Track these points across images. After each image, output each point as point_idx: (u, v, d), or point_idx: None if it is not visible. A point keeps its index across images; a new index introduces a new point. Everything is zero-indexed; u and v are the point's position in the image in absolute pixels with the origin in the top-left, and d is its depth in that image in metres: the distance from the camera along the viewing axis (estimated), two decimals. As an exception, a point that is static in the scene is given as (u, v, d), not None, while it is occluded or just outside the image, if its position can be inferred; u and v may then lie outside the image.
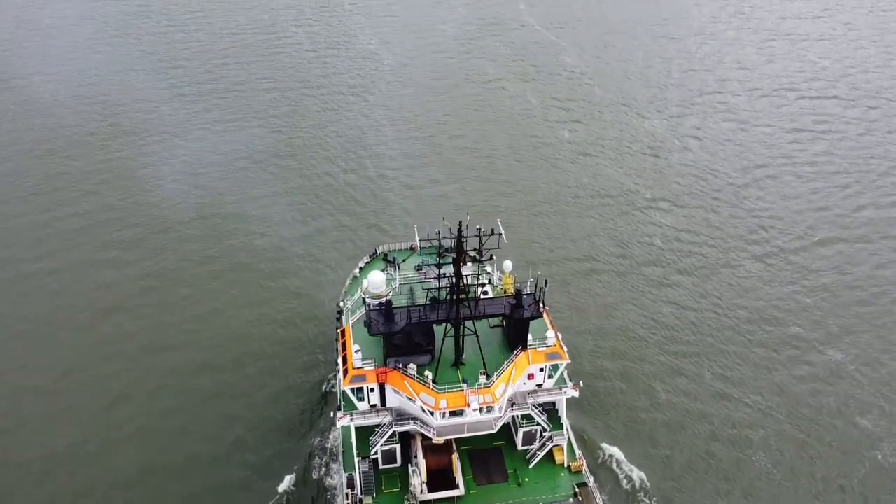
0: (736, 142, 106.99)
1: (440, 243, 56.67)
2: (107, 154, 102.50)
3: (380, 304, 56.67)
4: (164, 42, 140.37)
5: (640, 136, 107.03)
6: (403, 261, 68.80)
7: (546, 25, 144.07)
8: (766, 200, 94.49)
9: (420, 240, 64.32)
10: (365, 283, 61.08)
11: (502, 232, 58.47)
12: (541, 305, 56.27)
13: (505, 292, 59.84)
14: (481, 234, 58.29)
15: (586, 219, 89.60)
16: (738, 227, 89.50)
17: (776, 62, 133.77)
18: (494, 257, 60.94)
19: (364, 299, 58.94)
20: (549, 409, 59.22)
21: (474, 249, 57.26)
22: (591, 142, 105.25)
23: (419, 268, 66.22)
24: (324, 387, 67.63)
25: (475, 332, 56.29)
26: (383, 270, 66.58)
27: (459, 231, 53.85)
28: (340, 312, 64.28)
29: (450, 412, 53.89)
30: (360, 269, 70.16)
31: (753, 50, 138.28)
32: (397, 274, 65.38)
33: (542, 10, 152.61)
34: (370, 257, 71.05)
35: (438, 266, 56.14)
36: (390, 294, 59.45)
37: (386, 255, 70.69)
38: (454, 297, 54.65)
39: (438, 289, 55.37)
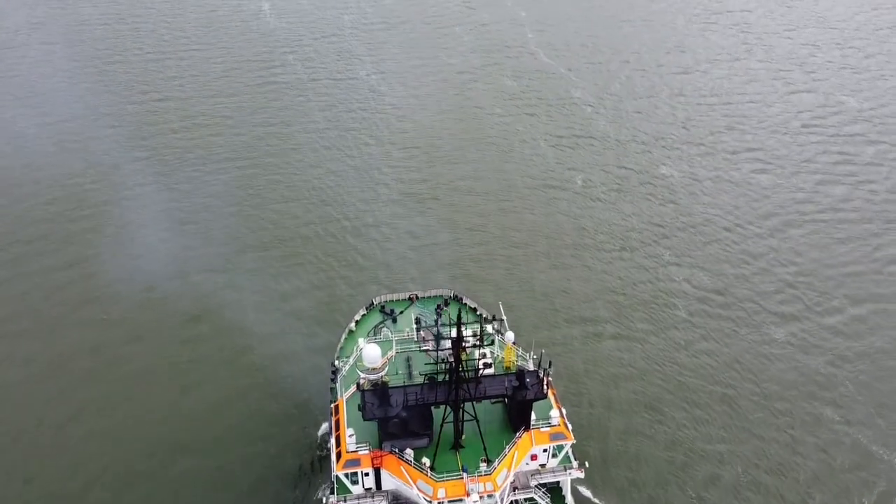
0: (754, 186, 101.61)
1: (438, 331, 54.56)
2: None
3: (374, 385, 53.55)
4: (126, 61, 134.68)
5: (655, 180, 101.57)
6: (401, 312, 66.56)
7: (553, 55, 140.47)
8: (791, 253, 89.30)
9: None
10: (361, 342, 58.44)
11: (504, 318, 56.07)
12: (545, 386, 53.43)
13: (506, 367, 56.11)
14: (482, 319, 56.45)
15: (599, 274, 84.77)
16: (765, 284, 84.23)
17: (793, 95, 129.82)
18: (497, 342, 58.54)
19: (359, 372, 55.50)
20: (553, 488, 55.85)
21: (474, 334, 53.77)
22: (604, 186, 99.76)
23: (417, 321, 64.27)
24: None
25: (475, 417, 51.71)
26: (380, 324, 64.96)
27: (459, 317, 50.95)
28: (335, 372, 61.64)
29: (448, 501, 50.71)
30: (357, 321, 67.05)
31: (767, 81, 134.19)
32: (394, 333, 63.01)
33: (549, 40, 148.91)
34: (366, 309, 68.14)
35: (437, 337, 53.67)
36: (386, 368, 56.09)
37: (383, 307, 68.05)
38: (453, 379, 51.21)
39: (437, 362, 52.04)
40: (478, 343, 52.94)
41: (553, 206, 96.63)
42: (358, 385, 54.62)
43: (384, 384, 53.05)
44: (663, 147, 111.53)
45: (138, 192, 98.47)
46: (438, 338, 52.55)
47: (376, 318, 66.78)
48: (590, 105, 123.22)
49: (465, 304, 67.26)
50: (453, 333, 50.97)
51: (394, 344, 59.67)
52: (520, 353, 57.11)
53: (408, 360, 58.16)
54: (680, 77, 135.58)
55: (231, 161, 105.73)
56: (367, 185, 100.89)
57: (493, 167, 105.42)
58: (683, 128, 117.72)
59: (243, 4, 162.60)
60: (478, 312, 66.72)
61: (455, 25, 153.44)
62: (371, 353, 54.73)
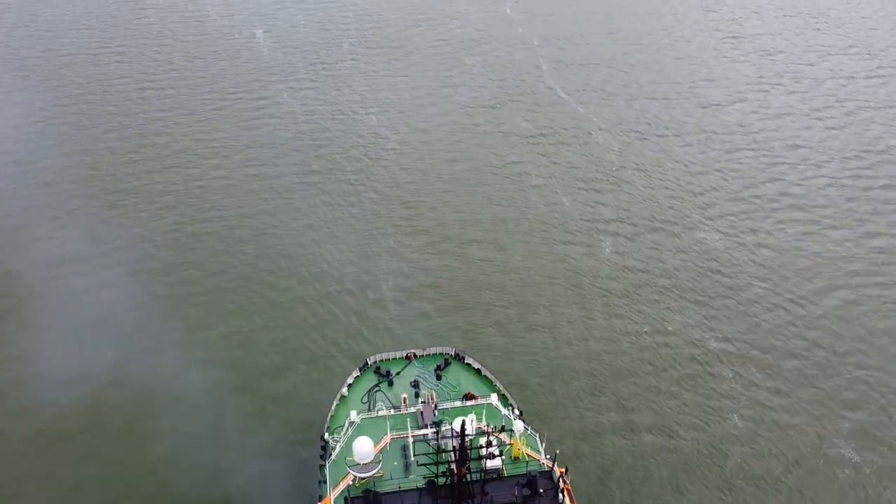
0: (804, 252, 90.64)
1: (440, 444, 49.23)
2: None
3: (366, 492, 49.05)
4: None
5: (692, 246, 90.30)
6: (398, 373, 62.35)
7: (570, 90, 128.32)
8: (855, 341, 77.89)
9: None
10: (353, 416, 54.52)
11: (515, 429, 50.34)
12: (560, 495, 48.82)
13: (514, 457, 51.37)
14: (490, 432, 51.55)
15: (631, 358, 73.59)
16: (831, 380, 73.02)
17: (832, 135, 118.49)
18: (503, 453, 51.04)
19: (348, 469, 49.69)
20: None
21: (481, 446, 49.28)
22: (635, 252, 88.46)
23: (416, 384, 60.40)
24: None
25: None
26: (375, 388, 60.81)
27: (462, 430, 45.91)
28: (325, 447, 56.55)
29: None
30: (349, 385, 62.18)
31: (802, 117, 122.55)
32: (389, 400, 59.05)
33: (565, 71, 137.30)
34: (360, 370, 63.38)
35: (437, 425, 51.07)
36: (380, 463, 50.04)
37: (378, 367, 63.43)
38: (455, 482, 47.16)
39: (437, 451, 47.52)
40: (484, 457, 48.94)
41: (577, 280, 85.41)
42: (347, 498, 49.02)
43: (376, 494, 48.52)
44: (698, 202, 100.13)
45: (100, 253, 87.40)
46: (439, 450, 47.99)
47: (371, 380, 62.59)
48: (613, 150, 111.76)
49: (469, 363, 63.67)
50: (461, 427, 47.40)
51: (388, 428, 53.28)
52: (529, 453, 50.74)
53: (404, 451, 52.15)
54: (708, 113, 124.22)
55: (215, 217, 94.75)
56: (367, 248, 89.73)
57: (509, 228, 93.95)
58: (717, 177, 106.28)
59: (235, 31, 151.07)
60: (482, 374, 62.67)
61: (463, 55, 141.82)
62: (362, 449, 49.39)
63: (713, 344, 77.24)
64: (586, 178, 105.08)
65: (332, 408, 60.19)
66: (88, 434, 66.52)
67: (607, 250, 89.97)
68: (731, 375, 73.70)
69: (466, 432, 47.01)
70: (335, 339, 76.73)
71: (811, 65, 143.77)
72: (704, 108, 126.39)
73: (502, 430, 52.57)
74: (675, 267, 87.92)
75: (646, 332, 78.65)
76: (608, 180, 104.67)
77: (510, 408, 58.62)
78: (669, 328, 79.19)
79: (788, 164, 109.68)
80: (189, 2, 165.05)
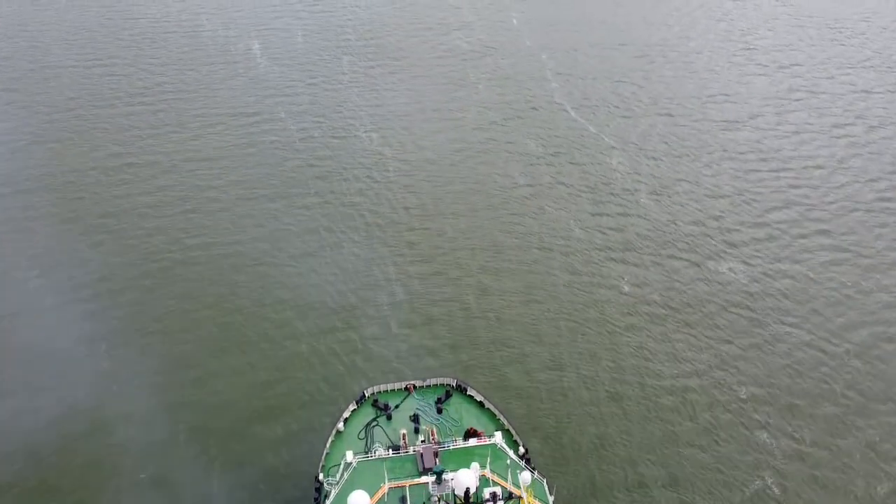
0: (834, 285, 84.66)
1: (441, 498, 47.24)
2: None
3: None
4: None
5: (715, 279, 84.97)
6: (396, 407, 59.50)
7: (582, 108, 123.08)
8: (892, 384, 72.39)
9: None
10: (349, 457, 52.57)
11: (521, 482, 47.23)
12: None
13: None
14: (496, 499, 47.08)
15: (656, 423, 67.54)
16: (871, 430, 67.30)
17: (856, 156, 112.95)
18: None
19: None
20: None
21: (486, 500, 46.35)
22: (654, 285, 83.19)
23: (416, 419, 57.74)
24: None
25: None
26: (373, 422, 58.04)
27: (467, 497, 44.50)
28: (319, 489, 53.41)
29: None
30: (346, 419, 59.00)
31: (824, 137, 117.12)
32: (388, 434, 56.11)
33: (575, 88, 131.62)
34: (357, 403, 60.49)
35: (439, 476, 48.12)
36: None
37: (376, 400, 60.54)
38: None
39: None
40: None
41: (591, 314, 79.88)
42: None
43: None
44: (717, 228, 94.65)
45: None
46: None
47: (368, 413, 59.69)
48: (626, 172, 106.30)
49: (471, 395, 60.79)
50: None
51: (386, 474, 50.55)
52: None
53: (402, 500, 49.32)
54: (723, 130, 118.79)
55: (205, 248, 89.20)
56: (369, 279, 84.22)
57: (518, 257, 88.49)
58: (736, 199, 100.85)
59: (231, 43, 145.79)
60: (485, 406, 60.01)
61: (468, 68, 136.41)
62: (358, 501, 46.92)
63: (739, 388, 71.74)
64: (599, 202, 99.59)
65: (328, 444, 56.87)
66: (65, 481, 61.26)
67: (623, 282, 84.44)
68: (760, 423, 68.19)
69: (469, 486, 44.99)
70: (335, 382, 71.27)
71: (830, 78, 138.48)
72: (719, 125, 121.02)
73: (510, 497, 48.34)
74: (695, 300, 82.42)
75: (666, 373, 73.17)
76: (622, 205, 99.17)
77: (515, 446, 55.56)
78: (691, 369, 73.70)
79: (810, 185, 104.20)
80: (183, 13, 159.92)
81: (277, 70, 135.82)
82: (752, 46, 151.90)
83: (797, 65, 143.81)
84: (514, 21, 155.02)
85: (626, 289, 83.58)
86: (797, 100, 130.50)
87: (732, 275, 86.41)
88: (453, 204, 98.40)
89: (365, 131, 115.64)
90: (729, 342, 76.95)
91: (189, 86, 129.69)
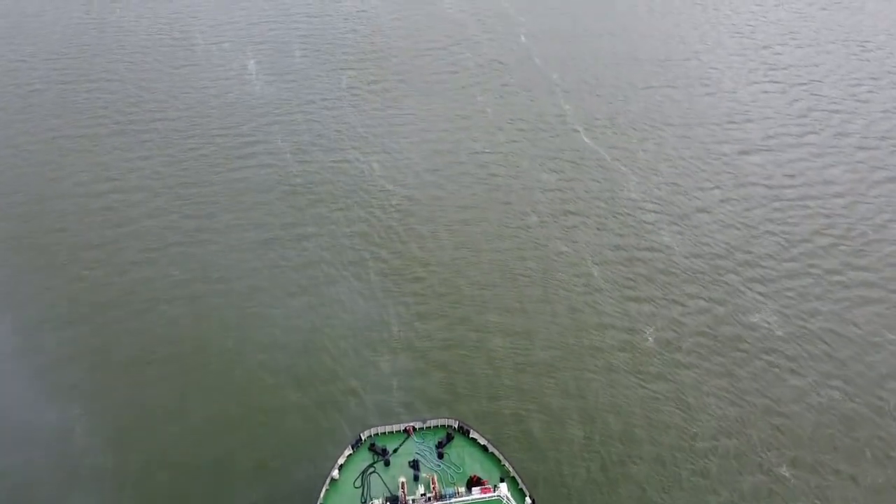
0: (879, 342, 77.07)
1: None
2: None
3: None
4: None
5: (748, 333, 77.62)
6: (395, 451, 57.28)
7: (597, 133, 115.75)
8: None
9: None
10: None
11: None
12: None
13: None
14: None
15: (690, 493, 62.84)
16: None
17: (889, 184, 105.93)
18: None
19: None
20: None
21: None
22: (681, 344, 76.05)
23: (415, 465, 55.48)
24: None
25: None
26: (370, 468, 55.65)
27: None
28: None
29: None
30: (341, 465, 56.61)
31: (850, 162, 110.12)
32: (386, 482, 53.83)
33: (590, 111, 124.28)
34: (353, 447, 58.09)
35: None
36: None
37: (373, 444, 58.18)
38: None
39: None
40: None
41: (615, 377, 72.91)
42: None
43: None
44: (747, 273, 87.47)
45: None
46: None
47: (365, 458, 57.42)
48: (645, 202, 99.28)
49: (474, 438, 58.42)
50: None
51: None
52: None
53: None
54: (748, 158, 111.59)
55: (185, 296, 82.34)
56: (370, 334, 77.32)
57: (531, 307, 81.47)
58: (766, 238, 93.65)
59: (225, 61, 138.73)
60: (489, 451, 57.48)
61: (475, 89, 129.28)
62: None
63: (782, 468, 64.80)
64: (616, 234, 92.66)
65: (322, 495, 54.43)
66: None
67: (649, 337, 77.42)
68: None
69: None
70: (329, 427, 64.50)
71: (851, 96, 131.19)
72: (740, 147, 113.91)
73: None
74: (729, 359, 75.44)
75: (697, 441, 66.31)
76: (640, 237, 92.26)
77: (522, 496, 53.18)
78: (724, 441, 66.78)
79: (847, 222, 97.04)
80: (175, 28, 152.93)
81: (273, 89, 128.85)
82: (770, 62, 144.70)
83: (817, 81, 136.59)
84: (522, 37, 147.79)
85: (651, 344, 76.52)
86: (818, 119, 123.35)
87: (766, 328, 79.36)
88: (459, 238, 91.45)
89: (365, 156, 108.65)
90: (770, 409, 69.97)
91: (180, 106, 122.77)
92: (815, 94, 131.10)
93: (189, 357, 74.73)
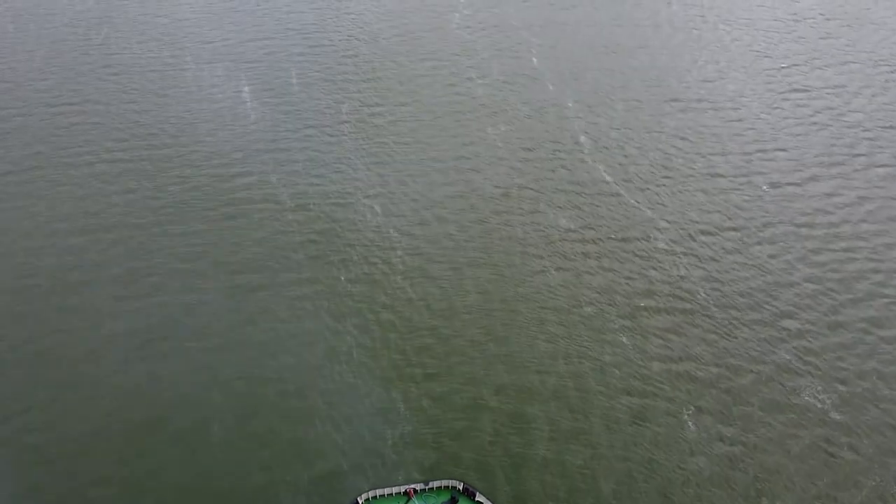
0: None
1: None
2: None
3: None
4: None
5: (803, 417, 68.24)
6: None
7: (616, 168, 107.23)
8: None
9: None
10: None
11: None
12: None
13: None
14: None
15: None
16: None
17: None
18: None
19: None
20: None
21: None
22: (726, 426, 67.08)
23: None
24: None
25: None
26: None
27: None
28: None
29: None
30: None
31: (887, 198, 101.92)
32: None
33: (607, 142, 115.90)
34: None
35: None
36: None
37: None
38: None
39: None
40: None
41: (655, 468, 63.88)
42: None
43: None
44: (790, 332, 78.52)
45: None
46: None
47: None
48: (676, 253, 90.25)
49: (479, 502, 55.21)
50: None
51: None
52: None
53: None
54: (780, 198, 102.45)
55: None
56: (374, 402, 68.38)
57: (553, 378, 72.44)
58: (807, 290, 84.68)
59: (218, 87, 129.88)
60: None
61: (484, 117, 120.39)
62: None
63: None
64: (646, 292, 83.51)
65: None
66: None
67: (689, 421, 68.26)
68: None
69: None
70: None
71: (890, 127, 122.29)
72: (774, 186, 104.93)
73: None
74: (771, 439, 66.40)
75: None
76: (673, 295, 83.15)
77: None
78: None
79: (891, 269, 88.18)
80: (165, 48, 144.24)
81: (269, 118, 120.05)
82: (798, 87, 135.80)
83: (854, 112, 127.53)
84: (534, 60, 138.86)
85: (693, 433, 67.42)
86: (856, 154, 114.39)
87: (817, 409, 70.16)
88: (472, 302, 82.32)
89: (367, 197, 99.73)
90: (833, 499, 61.14)
91: (167, 140, 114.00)
92: (851, 126, 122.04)
93: (167, 424, 65.93)
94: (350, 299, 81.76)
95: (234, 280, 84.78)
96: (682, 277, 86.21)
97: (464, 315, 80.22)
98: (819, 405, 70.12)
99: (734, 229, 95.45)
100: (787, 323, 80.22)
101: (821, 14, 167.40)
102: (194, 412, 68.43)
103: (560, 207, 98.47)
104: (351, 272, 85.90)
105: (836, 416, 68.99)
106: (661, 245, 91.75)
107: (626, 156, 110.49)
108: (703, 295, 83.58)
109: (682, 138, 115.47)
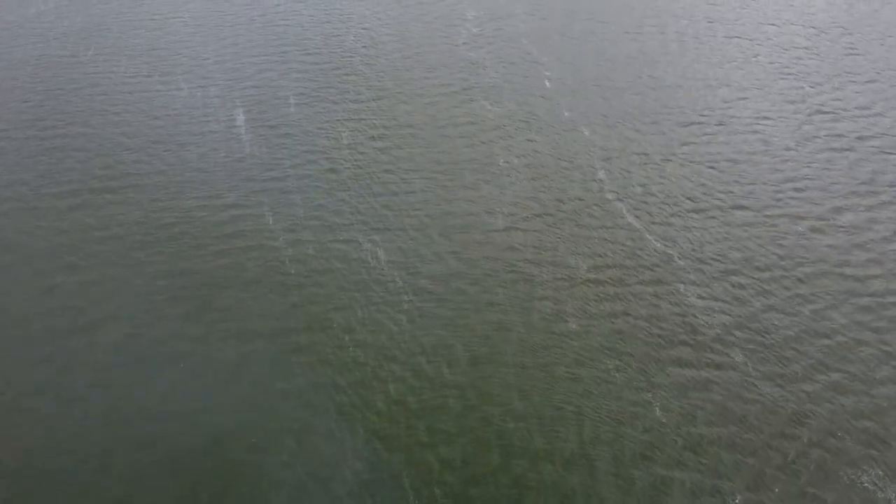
0: None
1: None
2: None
3: None
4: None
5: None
6: None
7: (643, 212, 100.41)
8: None
9: None
10: None
11: None
12: None
13: None
14: None
15: None
16: None
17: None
18: None
19: None
20: None
21: None
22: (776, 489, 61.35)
23: None
24: None
25: None
26: None
27: None
28: None
29: None
30: None
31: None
32: None
33: (630, 178, 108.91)
34: None
35: None
36: None
37: None
38: None
39: None
40: None
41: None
42: None
43: None
44: (833, 392, 71.29)
45: None
46: None
47: None
48: (713, 313, 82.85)
49: None
50: None
51: None
52: None
53: None
54: (808, 232, 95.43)
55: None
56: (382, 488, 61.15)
57: (578, 456, 65.21)
58: (844, 342, 77.56)
59: (211, 111, 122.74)
60: None
61: (496, 147, 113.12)
62: None
63: None
64: (680, 362, 75.92)
65: None
66: None
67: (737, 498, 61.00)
68: None
69: None
70: None
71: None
72: (806, 223, 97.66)
73: None
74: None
75: None
76: (712, 365, 75.59)
77: None
78: None
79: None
80: (157, 66, 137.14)
81: (265, 144, 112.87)
82: (824, 109, 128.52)
83: (883, 134, 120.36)
84: (547, 83, 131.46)
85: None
86: (891, 183, 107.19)
87: (874, 485, 62.99)
88: (483, 357, 74.96)
89: (369, 241, 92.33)
90: None
91: (159, 164, 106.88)
92: (883, 153, 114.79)
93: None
94: (353, 361, 74.44)
95: (220, 342, 77.39)
96: (721, 342, 78.82)
97: (477, 376, 72.85)
98: (870, 486, 62.81)
99: (766, 269, 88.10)
100: (831, 377, 72.90)
101: (842, 28, 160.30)
102: (183, 477, 61.13)
103: (576, 244, 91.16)
104: (353, 330, 78.52)
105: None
106: (689, 288, 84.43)
107: (646, 187, 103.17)
108: (739, 348, 76.24)
109: (709, 166, 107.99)
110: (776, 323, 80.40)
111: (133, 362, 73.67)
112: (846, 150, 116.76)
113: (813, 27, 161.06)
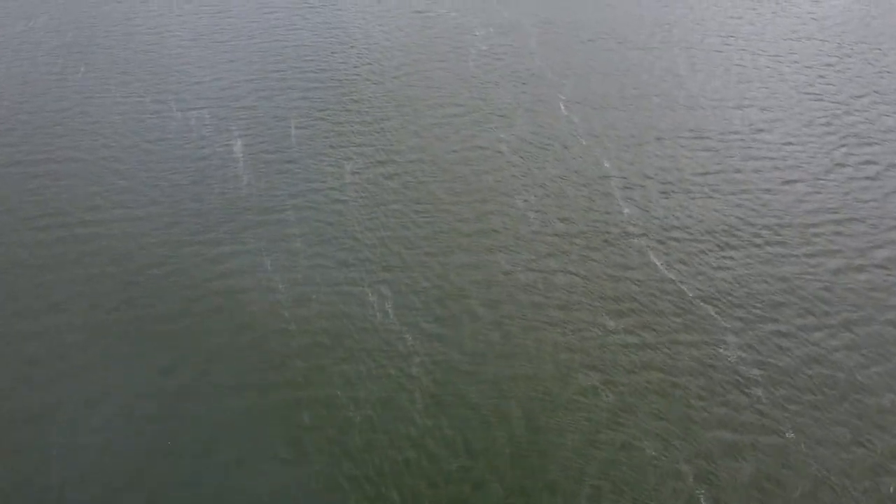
0: None
1: None
2: None
3: None
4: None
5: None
6: None
7: (673, 256, 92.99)
8: None
9: None
10: None
11: None
12: None
13: None
14: None
15: None
16: None
17: None
18: None
19: None
20: None
21: None
22: None
23: None
24: None
25: None
26: None
27: None
28: None
29: None
30: None
31: None
32: None
33: (653, 218, 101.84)
34: None
35: None
36: None
37: None
38: None
39: None
40: None
41: None
42: None
43: None
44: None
45: None
46: None
47: None
48: (750, 362, 75.59)
49: None
50: None
51: None
52: None
53: None
54: (856, 282, 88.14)
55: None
56: None
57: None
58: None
59: (207, 140, 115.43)
60: None
61: (509, 180, 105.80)
62: None
63: None
64: (721, 422, 68.60)
65: None
66: None
67: None
68: None
69: None
70: None
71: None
72: (852, 273, 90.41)
73: None
74: None
75: None
76: (754, 420, 68.45)
77: None
78: None
79: None
80: (150, 90, 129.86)
81: (264, 178, 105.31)
82: (862, 139, 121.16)
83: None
84: (562, 107, 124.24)
85: None
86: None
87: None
88: (501, 419, 67.72)
89: (374, 288, 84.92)
90: None
91: (148, 202, 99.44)
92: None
93: None
94: (358, 427, 67.23)
95: (211, 403, 70.06)
96: (758, 400, 71.53)
97: (494, 448, 65.60)
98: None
99: (816, 329, 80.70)
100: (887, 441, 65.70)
101: (868, 44, 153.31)
102: None
103: (604, 299, 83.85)
104: (357, 389, 71.28)
105: None
106: (732, 352, 77.14)
107: (678, 230, 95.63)
108: (790, 425, 68.97)
109: (738, 205, 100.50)
110: (829, 392, 73.11)
111: (101, 428, 66.39)
112: (878, 178, 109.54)
113: (838, 42, 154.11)
